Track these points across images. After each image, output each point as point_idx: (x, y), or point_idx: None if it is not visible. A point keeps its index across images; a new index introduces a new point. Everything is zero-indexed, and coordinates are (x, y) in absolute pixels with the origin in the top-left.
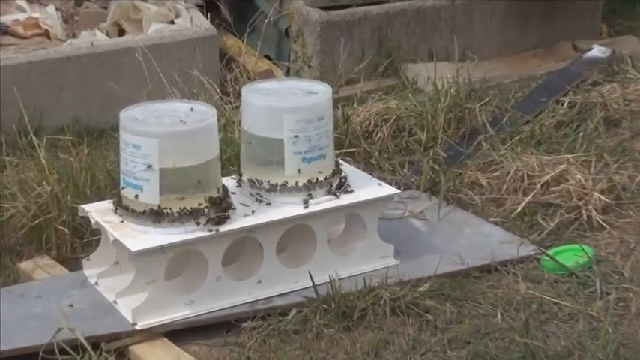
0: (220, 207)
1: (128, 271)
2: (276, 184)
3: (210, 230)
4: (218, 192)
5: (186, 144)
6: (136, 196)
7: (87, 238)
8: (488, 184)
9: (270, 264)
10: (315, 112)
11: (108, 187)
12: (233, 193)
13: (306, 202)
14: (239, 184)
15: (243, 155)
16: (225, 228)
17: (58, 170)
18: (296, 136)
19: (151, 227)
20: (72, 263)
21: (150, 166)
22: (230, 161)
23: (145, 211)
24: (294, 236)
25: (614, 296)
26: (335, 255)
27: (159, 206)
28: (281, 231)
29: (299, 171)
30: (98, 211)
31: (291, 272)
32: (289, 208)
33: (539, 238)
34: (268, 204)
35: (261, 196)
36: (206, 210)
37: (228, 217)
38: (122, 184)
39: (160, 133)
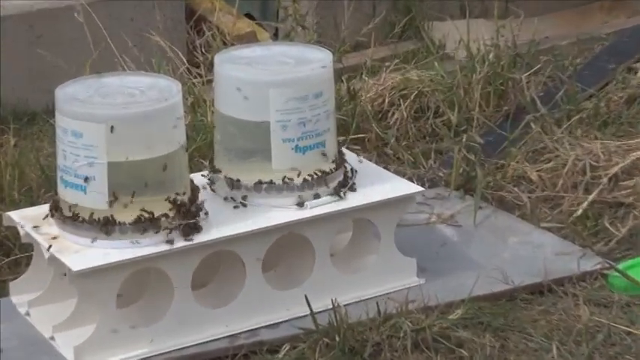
0: (188, 212)
1: (68, 298)
2: (261, 182)
3: (172, 243)
4: (185, 193)
5: (143, 130)
6: (78, 200)
7: (14, 254)
8: (540, 178)
9: (254, 286)
10: (310, 86)
11: (41, 188)
12: (204, 198)
13: (300, 205)
14: (212, 182)
15: (217, 145)
16: (195, 240)
17: None
18: (286, 119)
19: (98, 240)
20: None
21: (95, 160)
22: (200, 152)
23: (89, 219)
24: (285, 250)
25: None
26: (339, 273)
27: (108, 213)
28: (268, 243)
29: (291, 164)
30: (29, 220)
31: (283, 296)
32: (278, 212)
33: (607, 248)
34: (245, 206)
35: (243, 199)
36: (169, 217)
37: (198, 226)
38: (60, 185)
39: (107, 116)
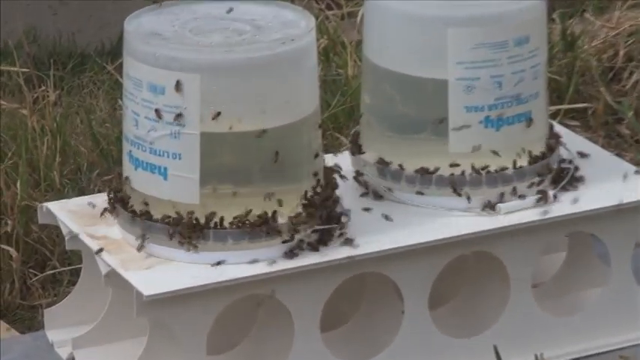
0: (322, 212)
1: (134, 336)
2: (429, 171)
3: (292, 257)
4: (317, 184)
5: (255, 86)
6: (154, 189)
7: (51, 267)
8: None
9: (414, 329)
10: (512, 27)
11: (95, 168)
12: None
13: (489, 208)
14: (358, 168)
15: (365, 112)
16: (329, 255)
17: None
18: (473, 77)
19: (183, 250)
20: (23, 317)
21: (182, 130)
22: (336, 123)
23: (171, 219)
24: (460, 276)
25: None
26: (544, 314)
27: (200, 211)
28: (440, 264)
29: (478, 145)
30: (76, 217)
31: (458, 345)
32: (456, 219)
33: None
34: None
35: (418, 193)
36: (293, 218)
37: (334, 234)
38: (127, 165)
39: (202, 62)
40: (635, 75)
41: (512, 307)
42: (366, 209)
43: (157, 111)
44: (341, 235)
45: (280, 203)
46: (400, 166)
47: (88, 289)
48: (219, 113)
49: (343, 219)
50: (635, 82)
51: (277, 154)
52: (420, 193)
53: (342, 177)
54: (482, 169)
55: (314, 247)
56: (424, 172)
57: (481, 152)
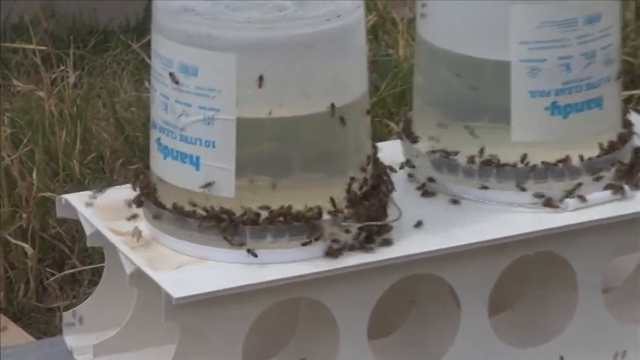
0: (370, 208)
1: (162, 343)
2: (490, 162)
3: (336, 256)
4: (365, 176)
5: (297, 67)
6: (185, 181)
7: (70, 267)
8: None
9: (473, 336)
10: (580, 3)
11: (119, 157)
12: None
13: (557, 203)
14: (409, 158)
15: (418, 96)
16: (379, 254)
17: (12, 116)
18: (538, 58)
19: (217, 248)
20: (39, 321)
21: (216, 115)
22: (385, 108)
23: (204, 214)
24: (519, 279)
25: None
26: (618, 323)
27: (235, 205)
28: (500, 267)
29: (543, 134)
30: (99, 210)
31: (520, 356)
32: (518, 215)
33: None
34: (456, 203)
35: (462, 188)
36: (338, 214)
37: (389, 231)
38: (155, 154)
39: (239, 41)
40: None
41: (581, 315)
42: (419, 204)
43: (189, 95)
44: (391, 232)
45: (324, 197)
46: (456, 156)
47: (110, 290)
48: (261, 77)
49: (393, 215)
50: None
51: (321, 142)
52: (479, 186)
53: (392, 169)
54: (548, 160)
55: (361, 246)
56: (483, 164)
57: (546, 142)
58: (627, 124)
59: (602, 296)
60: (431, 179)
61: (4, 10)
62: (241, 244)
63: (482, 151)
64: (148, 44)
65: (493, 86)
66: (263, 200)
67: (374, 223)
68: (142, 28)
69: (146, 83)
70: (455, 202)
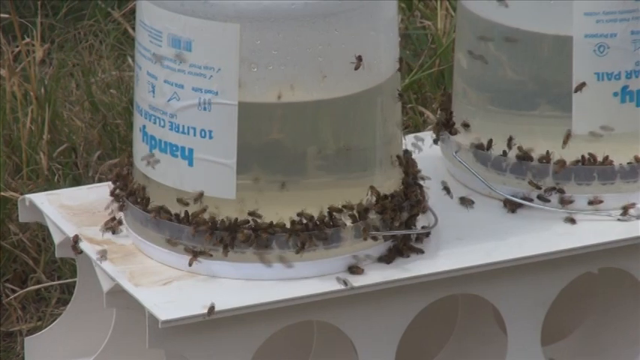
0: (400, 214)
1: None
2: (548, 159)
3: (359, 272)
4: (395, 174)
5: (316, 43)
6: (176, 179)
7: (35, 282)
8: None
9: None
10: None
11: (95, 149)
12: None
13: (627, 209)
14: (448, 153)
15: (460, 79)
16: (412, 270)
17: None
18: (605, 33)
19: (213, 260)
20: None
21: (214, 99)
22: (420, 93)
23: (199, 219)
24: (568, 300)
25: None
26: None
27: (237, 208)
28: (557, 286)
29: (611, 125)
30: (70, 213)
31: None
32: (579, 224)
33: None
34: (513, 210)
35: (511, 189)
36: (362, 220)
37: (414, 243)
38: (138, 145)
39: (245, 9)
40: None
41: None
42: (458, 209)
43: (181, 73)
44: (423, 243)
45: (344, 200)
46: (505, 151)
47: (83, 310)
48: (269, 54)
49: (427, 223)
50: None
51: (341, 134)
52: (532, 187)
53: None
54: (616, 157)
55: (388, 260)
56: (537, 160)
57: (615, 134)
58: None
59: None
60: (473, 179)
61: None
62: (242, 257)
63: (536, 145)
64: (132, 12)
65: (551, 67)
66: (270, 203)
67: (404, 231)
68: None
69: (129, 60)
70: (501, 205)
